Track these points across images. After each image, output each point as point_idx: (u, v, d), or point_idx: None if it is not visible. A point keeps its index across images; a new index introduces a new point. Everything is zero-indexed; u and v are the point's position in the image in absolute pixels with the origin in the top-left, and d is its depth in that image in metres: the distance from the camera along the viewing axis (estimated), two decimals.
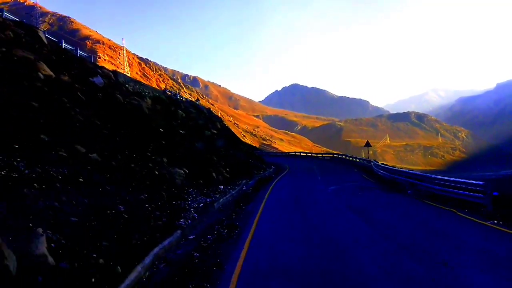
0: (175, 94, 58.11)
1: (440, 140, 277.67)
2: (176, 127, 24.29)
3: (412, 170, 23.35)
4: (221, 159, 25.60)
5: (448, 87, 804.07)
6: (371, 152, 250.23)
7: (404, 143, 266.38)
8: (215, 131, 36.17)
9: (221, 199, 15.20)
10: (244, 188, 21.11)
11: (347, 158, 48.05)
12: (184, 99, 54.53)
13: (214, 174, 20.02)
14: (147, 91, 41.92)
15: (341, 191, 19.25)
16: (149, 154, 15.58)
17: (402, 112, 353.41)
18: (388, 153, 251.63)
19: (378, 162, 30.41)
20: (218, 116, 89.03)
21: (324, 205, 15.32)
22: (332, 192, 19.15)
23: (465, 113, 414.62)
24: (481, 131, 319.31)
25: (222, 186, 19.00)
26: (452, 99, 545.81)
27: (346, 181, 24.01)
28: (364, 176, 27.11)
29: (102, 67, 29.69)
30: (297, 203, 16.05)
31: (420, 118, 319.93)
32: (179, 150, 19.51)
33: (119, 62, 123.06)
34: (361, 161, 41.81)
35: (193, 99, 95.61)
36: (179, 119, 28.08)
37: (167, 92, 49.79)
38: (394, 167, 30.97)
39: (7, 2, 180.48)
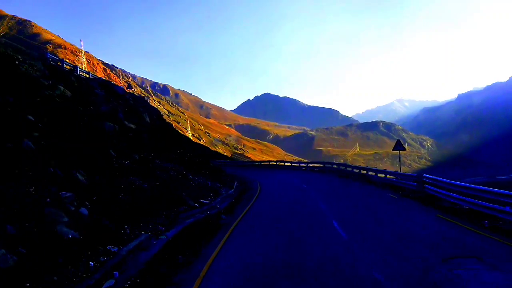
0: (72, 65, 39.07)
1: (407, 149, 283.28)
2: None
3: None
4: (117, 178, 14.03)
5: (412, 97, 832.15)
6: (341, 160, 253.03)
7: (374, 151, 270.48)
8: (132, 126, 24.32)
9: None
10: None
11: (347, 169, 35.65)
12: (90, 76, 38.82)
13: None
14: None
15: None
16: None
17: (371, 121, 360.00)
18: (359, 161, 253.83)
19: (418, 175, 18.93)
20: (156, 108, 68.82)
21: None
22: None
23: (429, 122, 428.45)
24: (445, 140, 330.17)
25: None
26: (416, 109, 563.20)
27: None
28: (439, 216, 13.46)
29: None
30: None
31: (388, 127, 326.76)
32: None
33: (79, 66, 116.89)
34: (367, 173, 29.88)
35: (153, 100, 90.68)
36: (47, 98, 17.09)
37: (49, 59, 32.86)
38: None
39: None
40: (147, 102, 48.99)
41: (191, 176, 21.01)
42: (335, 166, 41.07)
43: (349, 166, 36.80)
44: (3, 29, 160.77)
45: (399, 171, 25.58)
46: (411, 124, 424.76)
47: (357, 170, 32.54)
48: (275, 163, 55.99)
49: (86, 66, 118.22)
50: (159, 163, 19.52)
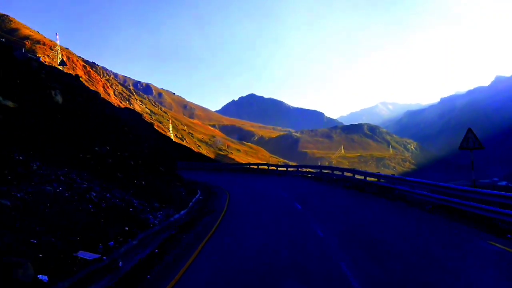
0: None
1: (391, 151, 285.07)
2: None
3: None
4: None
5: (395, 100, 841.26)
6: (326, 163, 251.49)
7: (358, 154, 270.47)
8: (9, 104, 13.40)
9: None
10: None
11: (356, 176, 25.46)
12: None
13: None
14: None
15: None
16: None
17: (355, 123, 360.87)
18: (343, 164, 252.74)
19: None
20: (95, 92, 73.47)
21: None
22: None
23: (412, 125, 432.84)
24: (428, 143, 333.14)
25: None
26: (400, 112, 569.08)
27: None
28: None
29: None
30: None
31: (372, 130, 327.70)
32: None
33: (55, 61, 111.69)
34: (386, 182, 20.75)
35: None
36: None
37: None
38: None
39: None
40: (75, 80, 33.57)
41: (94, 194, 10.74)
42: (337, 172, 29.35)
43: (361, 172, 25.49)
44: None
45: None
46: (395, 127, 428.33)
47: (375, 179, 21.95)
48: (256, 167, 44.65)
49: (61, 59, 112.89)
50: (37, 167, 10.49)
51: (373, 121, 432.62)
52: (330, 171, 31.21)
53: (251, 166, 47.03)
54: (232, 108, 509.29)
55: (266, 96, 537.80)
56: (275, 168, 41.74)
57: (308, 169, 37.50)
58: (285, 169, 41.54)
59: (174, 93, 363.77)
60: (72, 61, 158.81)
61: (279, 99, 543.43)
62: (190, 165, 43.39)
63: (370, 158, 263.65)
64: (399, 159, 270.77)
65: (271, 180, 33.02)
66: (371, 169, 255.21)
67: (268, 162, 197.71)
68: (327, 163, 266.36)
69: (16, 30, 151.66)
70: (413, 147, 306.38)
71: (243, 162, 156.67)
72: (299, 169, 39.50)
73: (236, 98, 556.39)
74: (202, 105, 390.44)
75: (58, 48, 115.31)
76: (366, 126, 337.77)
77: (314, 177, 32.43)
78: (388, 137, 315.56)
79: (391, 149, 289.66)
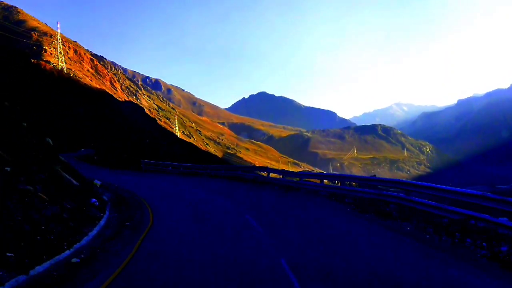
0: None
1: (405, 154, 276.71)
2: None
3: None
4: None
5: (411, 101, 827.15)
6: (337, 164, 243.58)
7: (371, 156, 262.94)
8: None
9: None
10: None
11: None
12: None
13: None
14: None
15: None
16: None
17: (369, 124, 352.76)
18: (356, 166, 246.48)
19: None
20: None
21: None
22: None
23: (428, 128, 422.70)
24: (444, 146, 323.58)
25: None
26: (415, 114, 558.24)
27: None
28: None
29: None
30: None
31: (387, 131, 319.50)
32: None
33: (60, 52, 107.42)
34: None
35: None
36: None
37: None
38: None
39: None
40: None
41: None
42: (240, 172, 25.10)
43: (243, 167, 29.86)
44: None
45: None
46: (410, 129, 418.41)
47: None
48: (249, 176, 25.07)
49: (61, 50, 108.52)
50: None
51: (387, 122, 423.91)
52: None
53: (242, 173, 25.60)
54: (242, 106, 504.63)
55: (277, 94, 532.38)
56: (280, 176, 22.22)
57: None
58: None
59: (184, 90, 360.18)
60: (80, 54, 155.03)
61: (290, 97, 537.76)
62: (157, 167, 30.47)
63: (383, 160, 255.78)
64: (413, 162, 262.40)
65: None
66: (384, 171, 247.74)
67: (277, 163, 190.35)
68: (338, 164, 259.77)
69: (23, 21, 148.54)
70: (429, 150, 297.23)
71: (247, 164, 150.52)
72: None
73: (246, 96, 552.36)
74: (212, 102, 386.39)
75: (59, 36, 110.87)
76: (380, 127, 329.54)
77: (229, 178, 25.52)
78: (403, 139, 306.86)
79: (405, 151, 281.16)
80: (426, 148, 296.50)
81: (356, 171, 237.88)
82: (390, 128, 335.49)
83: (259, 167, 28.89)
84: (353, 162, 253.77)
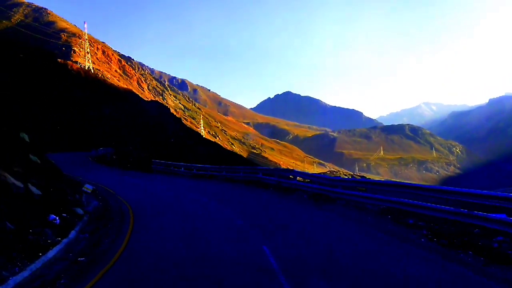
0: None
1: (434, 154, 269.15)
2: None
3: None
4: None
5: (440, 101, 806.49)
6: (364, 165, 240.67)
7: (398, 156, 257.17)
8: None
9: None
10: None
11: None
12: None
13: None
14: None
15: None
16: None
17: (396, 124, 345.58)
18: (382, 166, 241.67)
19: None
20: None
21: None
22: None
23: (458, 127, 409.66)
24: (474, 146, 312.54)
25: None
26: (444, 114, 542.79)
27: None
28: None
29: None
30: None
31: (414, 131, 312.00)
32: None
33: (87, 52, 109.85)
34: None
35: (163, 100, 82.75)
36: None
37: None
38: None
39: None
40: None
41: None
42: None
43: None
44: (19, 17, 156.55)
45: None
46: (438, 129, 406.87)
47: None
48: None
49: (89, 50, 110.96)
50: None
51: (414, 122, 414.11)
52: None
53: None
54: (267, 105, 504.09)
55: (302, 94, 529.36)
56: (308, 181, 18.10)
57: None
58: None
59: (209, 90, 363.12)
60: (108, 55, 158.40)
61: (316, 97, 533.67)
62: (168, 168, 27.63)
63: (411, 161, 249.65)
64: (443, 163, 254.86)
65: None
66: (412, 172, 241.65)
67: (303, 163, 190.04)
68: (365, 164, 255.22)
69: (53, 23, 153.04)
70: (459, 150, 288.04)
71: (270, 166, 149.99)
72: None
73: (271, 96, 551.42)
74: (237, 102, 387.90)
75: (86, 36, 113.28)
76: (407, 127, 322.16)
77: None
78: (431, 139, 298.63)
79: (434, 151, 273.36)
80: (456, 149, 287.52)
81: (383, 171, 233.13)
82: (418, 128, 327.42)
83: (284, 169, 22.60)
84: (380, 162, 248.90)
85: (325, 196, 14.43)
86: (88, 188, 15.20)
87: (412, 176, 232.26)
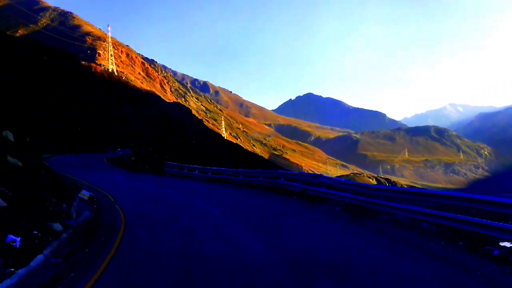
0: None
1: (462, 156, 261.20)
2: None
3: None
4: None
5: (466, 102, 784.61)
6: (388, 167, 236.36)
7: (424, 158, 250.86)
8: None
9: None
10: None
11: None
12: None
13: None
14: None
15: None
16: None
17: (421, 126, 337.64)
18: (407, 168, 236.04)
19: None
20: None
21: None
22: None
23: (485, 129, 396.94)
24: (503, 148, 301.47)
25: None
26: (471, 115, 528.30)
27: None
28: None
29: None
30: None
31: (441, 132, 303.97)
32: None
33: (111, 54, 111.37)
34: None
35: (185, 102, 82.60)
36: None
37: None
38: None
39: None
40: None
41: None
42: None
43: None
44: (45, 21, 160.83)
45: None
46: (465, 131, 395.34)
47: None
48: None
49: (112, 52, 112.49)
50: None
51: (440, 124, 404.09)
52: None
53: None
54: (289, 107, 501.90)
55: (324, 95, 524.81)
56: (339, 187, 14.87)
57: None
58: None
59: (231, 92, 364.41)
60: (131, 57, 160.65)
61: (338, 98, 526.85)
62: (182, 171, 24.84)
63: (437, 163, 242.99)
64: (470, 165, 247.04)
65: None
66: (438, 175, 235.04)
67: (325, 164, 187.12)
68: (389, 166, 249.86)
69: (78, 26, 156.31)
70: (487, 152, 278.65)
71: (293, 170, 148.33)
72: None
73: (293, 97, 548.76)
74: (259, 104, 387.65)
75: (109, 39, 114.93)
76: (433, 128, 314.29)
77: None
78: (458, 141, 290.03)
79: (461, 154, 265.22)
80: (484, 151, 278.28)
81: (408, 174, 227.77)
82: (444, 129, 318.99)
83: (310, 174, 18.05)
84: (405, 164, 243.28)
85: (362, 208, 11.43)
86: (85, 194, 13.49)
87: (439, 178, 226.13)
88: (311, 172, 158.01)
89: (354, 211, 11.33)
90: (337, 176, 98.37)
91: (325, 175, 15.97)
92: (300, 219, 10.98)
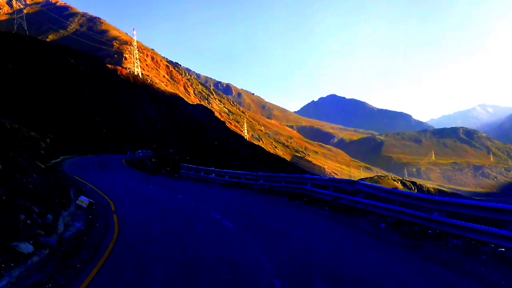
0: None
1: (492, 159, 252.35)
2: None
3: None
4: None
5: (497, 103, 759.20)
6: (413, 169, 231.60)
7: (452, 161, 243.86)
8: None
9: None
10: None
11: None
12: None
13: None
14: None
15: None
16: None
17: (448, 127, 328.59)
18: (434, 171, 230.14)
19: None
20: None
21: None
22: None
23: None
24: None
25: None
26: (501, 116, 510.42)
27: None
28: None
29: None
30: None
31: (469, 134, 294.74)
32: None
33: (136, 58, 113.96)
34: None
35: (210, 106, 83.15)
36: None
37: None
38: None
39: (39, 3, 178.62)
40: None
41: None
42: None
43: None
44: (74, 26, 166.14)
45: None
46: (496, 132, 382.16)
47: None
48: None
49: (138, 56, 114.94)
50: None
51: (469, 125, 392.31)
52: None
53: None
54: (311, 109, 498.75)
55: (348, 97, 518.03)
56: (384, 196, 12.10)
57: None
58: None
59: (253, 94, 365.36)
60: (156, 61, 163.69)
61: (361, 99, 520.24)
62: (198, 174, 23.00)
63: (466, 166, 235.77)
64: (501, 168, 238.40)
65: None
66: (467, 178, 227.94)
67: (348, 168, 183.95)
68: (414, 169, 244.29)
69: (106, 31, 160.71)
70: None
71: (319, 174, 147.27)
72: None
73: (316, 99, 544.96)
74: (281, 106, 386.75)
75: (135, 43, 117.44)
76: (461, 130, 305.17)
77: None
78: (488, 143, 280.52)
79: (491, 156, 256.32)
80: None
81: (435, 176, 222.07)
82: (474, 131, 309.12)
83: (344, 180, 14.46)
84: (431, 167, 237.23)
85: (414, 225, 8.84)
86: (83, 201, 12.06)
87: (468, 182, 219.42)
88: (335, 175, 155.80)
89: (408, 231, 8.55)
90: (360, 179, 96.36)
91: (363, 181, 14.15)
92: (342, 244, 7.77)
